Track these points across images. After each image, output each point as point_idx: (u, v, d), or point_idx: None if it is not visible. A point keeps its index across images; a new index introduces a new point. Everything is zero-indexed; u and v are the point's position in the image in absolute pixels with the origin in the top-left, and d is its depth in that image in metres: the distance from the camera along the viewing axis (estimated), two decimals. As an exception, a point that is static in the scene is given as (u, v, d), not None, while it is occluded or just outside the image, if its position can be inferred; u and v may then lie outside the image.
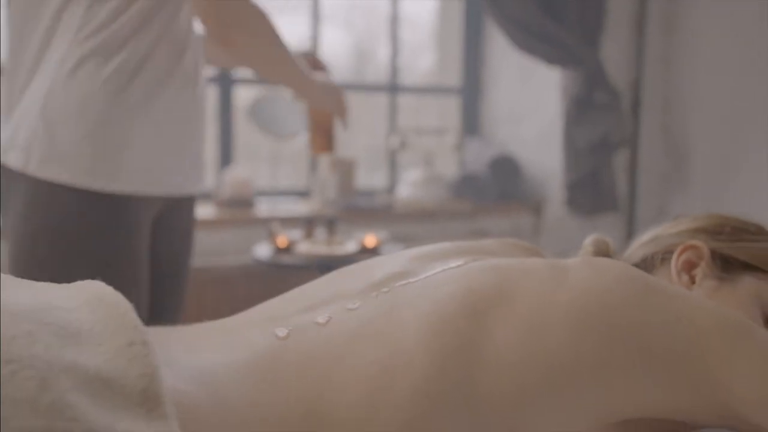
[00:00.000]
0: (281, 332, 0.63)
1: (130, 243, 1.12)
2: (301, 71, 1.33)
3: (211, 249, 2.31)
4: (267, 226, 2.18)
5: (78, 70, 1.07)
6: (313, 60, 1.57)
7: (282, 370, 0.59)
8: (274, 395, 0.56)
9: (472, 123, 3.18)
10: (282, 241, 2.00)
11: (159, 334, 0.63)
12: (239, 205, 2.49)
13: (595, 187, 2.73)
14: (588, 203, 2.74)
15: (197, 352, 0.60)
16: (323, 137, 2.07)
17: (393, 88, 3.03)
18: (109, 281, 1.04)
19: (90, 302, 0.52)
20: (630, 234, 2.75)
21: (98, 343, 0.47)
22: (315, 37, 2.83)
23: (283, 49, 1.25)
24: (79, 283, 0.58)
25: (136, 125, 1.10)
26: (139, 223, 1.14)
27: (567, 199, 2.74)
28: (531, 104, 2.97)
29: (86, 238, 1.08)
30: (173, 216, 1.27)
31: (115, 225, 1.10)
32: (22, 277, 1.06)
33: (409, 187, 2.83)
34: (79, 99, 1.07)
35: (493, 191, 2.82)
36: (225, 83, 2.69)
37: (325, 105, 1.48)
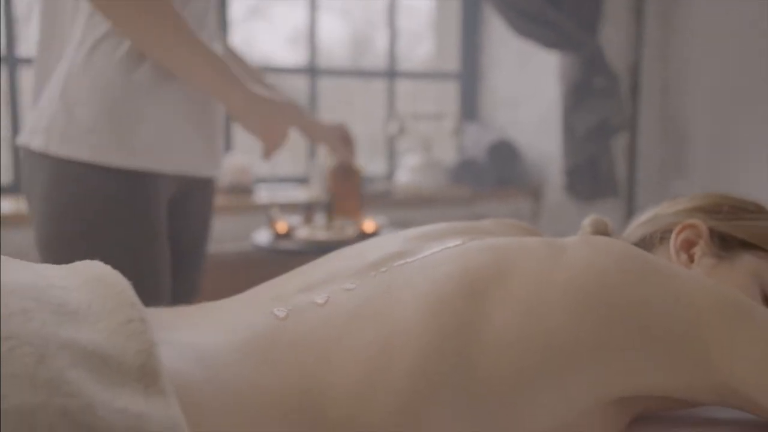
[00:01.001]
0: (280, 313, 0.63)
1: (150, 218, 1.15)
2: (221, 76, 1.16)
3: (210, 235, 2.30)
4: (266, 212, 2.18)
5: (94, 52, 1.11)
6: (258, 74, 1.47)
7: (281, 350, 0.59)
8: (273, 375, 0.56)
9: (470, 108, 3.17)
10: (281, 227, 2.00)
11: (157, 314, 0.63)
12: (238, 191, 2.49)
13: (594, 172, 2.73)
14: (587, 188, 2.74)
15: (196, 332, 0.60)
16: (351, 200, 2.08)
17: (391, 73, 3.02)
18: (134, 256, 1.09)
19: (88, 281, 0.52)
20: (629, 219, 2.74)
21: (96, 320, 0.47)
22: (312, 26, 2.82)
23: (181, 35, 1.12)
24: (77, 263, 0.58)
25: (150, 104, 1.13)
26: (157, 200, 1.17)
27: (566, 185, 2.74)
28: (530, 89, 2.96)
29: (108, 214, 1.11)
30: (190, 198, 1.29)
31: (134, 201, 1.13)
32: (51, 258, 1.09)
33: (408, 172, 2.83)
34: (95, 79, 1.11)
35: (492, 176, 2.82)
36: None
37: (253, 126, 1.25)
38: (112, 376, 0.43)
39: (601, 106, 2.66)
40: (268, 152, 1.30)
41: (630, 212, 2.83)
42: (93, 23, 1.11)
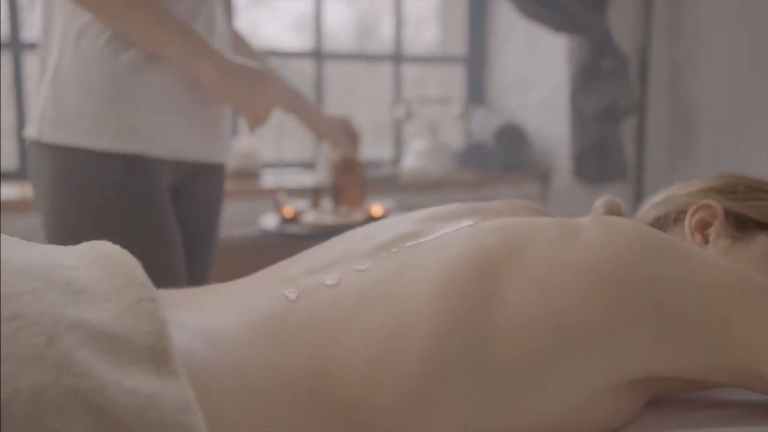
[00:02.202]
0: (291, 294, 0.62)
1: (154, 203, 1.13)
2: (186, 41, 1.09)
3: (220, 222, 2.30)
4: (273, 197, 2.17)
5: (80, 38, 1.09)
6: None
7: (291, 332, 0.58)
8: (283, 357, 0.55)
9: (477, 92, 3.15)
10: (288, 211, 1.99)
11: (166, 295, 0.62)
12: (245, 176, 2.48)
13: (602, 156, 2.71)
14: (595, 172, 2.72)
15: (205, 314, 0.59)
16: (354, 193, 2.07)
17: (397, 57, 3.00)
18: (140, 240, 1.07)
19: (97, 260, 0.51)
20: (638, 202, 2.73)
21: (105, 299, 0.46)
22: (318, 10, 2.80)
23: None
24: (86, 244, 0.57)
25: (138, 87, 1.11)
26: (158, 185, 1.14)
27: (574, 168, 2.73)
28: (537, 72, 2.94)
29: (109, 200, 1.10)
30: (196, 184, 1.26)
31: (134, 186, 1.11)
32: None
33: (415, 157, 2.81)
34: (83, 64, 1.09)
35: (499, 161, 2.81)
36: (228, 54, 2.67)
37: (228, 96, 1.15)
38: (122, 356, 0.42)
39: (609, 89, 2.64)
40: (252, 126, 1.20)
41: (638, 195, 2.81)
42: (79, 9, 1.09)
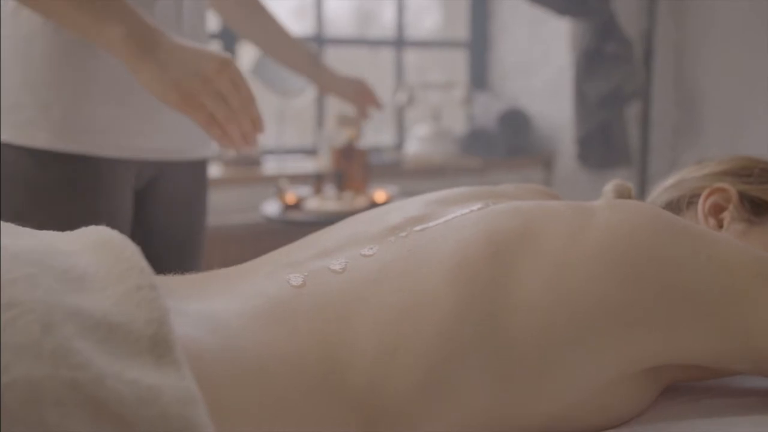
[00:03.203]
0: (296, 280, 0.60)
1: (102, 214, 0.95)
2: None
3: (218, 208, 2.28)
4: (275, 184, 2.15)
5: (16, 17, 0.92)
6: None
7: (297, 318, 0.56)
8: (290, 343, 0.54)
9: (480, 77, 3.13)
10: (290, 198, 1.98)
11: (167, 281, 0.60)
12: (246, 163, 2.46)
13: (606, 141, 2.70)
14: (599, 157, 2.71)
15: (207, 300, 0.57)
16: (357, 179, 2.07)
17: (399, 42, 2.98)
18: None
19: (95, 245, 0.49)
20: (643, 188, 2.71)
21: (103, 287, 0.44)
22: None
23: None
24: (84, 229, 0.55)
25: (89, 71, 0.93)
26: (109, 190, 0.97)
27: (578, 153, 2.71)
28: (541, 56, 2.92)
29: (38, 205, 0.93)
30: (167, 185, 1.09)
31: (76, 194, 0.94)
32: None
33: (418, 143, 2.80)
34: (16, 47, 0.92)
35: (503, 146, 2.79)
36: (227, 39, 2.64)
37: (150, 82, 0.82)
38: (122, 346, 0.40)
39: (613, 73, 2.63)
40: (220, 141, 0.91)
41: (643, 180, 2.80)
42: None
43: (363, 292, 0.59)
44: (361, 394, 0.54)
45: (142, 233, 1.08)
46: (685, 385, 0.73)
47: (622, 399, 0.63)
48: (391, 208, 0.74)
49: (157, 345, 0.41)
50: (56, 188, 0.93)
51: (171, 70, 0.81)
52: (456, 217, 0.68)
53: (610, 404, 0.63)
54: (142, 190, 1.06)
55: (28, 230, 0.54)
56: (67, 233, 0.54)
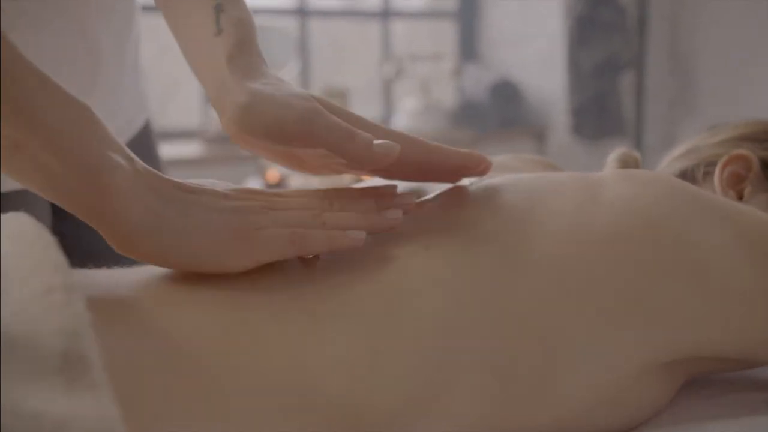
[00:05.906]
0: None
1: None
2: None
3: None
4: (256, 161, 2.09)
5: None
6: None
7: (259, 320, 0.48)
8: (251, 351, 0.46)
9: (469, 48, 3.09)
10: (273, 175, 1.91)
11: (92, 277, 0.50)
12: (227, 141, 2.38)
13: (600, 111, 2.68)
14: (593, 128, 2.69)
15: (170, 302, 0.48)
16: None
17: (385, 13, 2.92)
18: None
19: (8, 238, 0.40)
20: (638, 159, 2.69)
21: (6, 289, 0.35)
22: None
23: None
24: (2, 215, 0.46)
25: None
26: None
27: (572, 124, 2.69)
28: (532, 25, 2.88)
29: None
30: None
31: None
32: None
33: (407, 116, 2.75)
34: None
35: (494, 118, 2.76)
36: (207, 12, 2.56)
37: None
38: (23, 366, 0.31)
39: (607, 42, 2.64)
40: None
41: (638, 151, 2.76)
42: None
43: (335, 280, 0.51)
44: (338, 407, 0.46)
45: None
46: (704, 377, 0.66)
47: (639, 397, 0.56)
48: (380, 183, 0.66)
49: (69, 365, 0.32)
50: None
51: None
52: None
53: (625, 403, 0.55)
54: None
55: None
56: None
